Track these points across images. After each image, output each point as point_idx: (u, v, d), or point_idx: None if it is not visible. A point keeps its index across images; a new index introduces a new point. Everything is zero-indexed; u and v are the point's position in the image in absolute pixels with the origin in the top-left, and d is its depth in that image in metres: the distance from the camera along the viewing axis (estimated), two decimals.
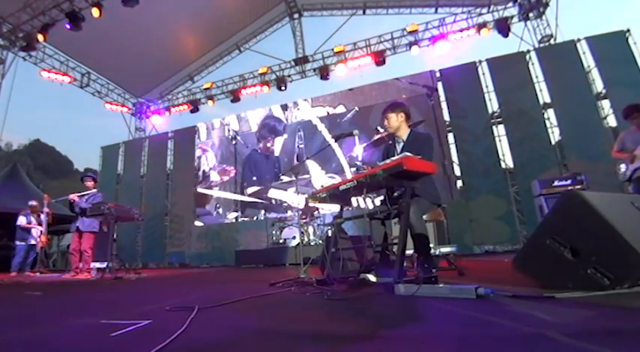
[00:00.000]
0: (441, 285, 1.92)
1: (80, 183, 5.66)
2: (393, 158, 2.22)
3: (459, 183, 7.79)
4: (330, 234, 3.10)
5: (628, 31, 6.98)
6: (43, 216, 6.63)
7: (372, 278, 2.54)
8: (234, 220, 9.78)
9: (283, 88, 10.78)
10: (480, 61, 8.05)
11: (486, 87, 7.90)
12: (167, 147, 11.17)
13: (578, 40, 7.33)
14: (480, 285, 1.65)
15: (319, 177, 8.90)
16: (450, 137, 7.97)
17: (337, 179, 8.34)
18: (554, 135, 7.25)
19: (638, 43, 6.86)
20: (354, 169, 3.87)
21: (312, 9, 11.36)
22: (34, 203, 6.92)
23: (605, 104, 6.93)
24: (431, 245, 2.85)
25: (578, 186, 4.66)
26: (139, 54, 10.70)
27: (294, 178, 3.56)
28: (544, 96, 7.45)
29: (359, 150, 3.14)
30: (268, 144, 9.84)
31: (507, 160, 7.47)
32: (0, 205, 8.50)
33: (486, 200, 7.24)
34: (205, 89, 11.83)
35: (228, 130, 10.54)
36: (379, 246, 2.64)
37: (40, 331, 1.41)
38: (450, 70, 8.31)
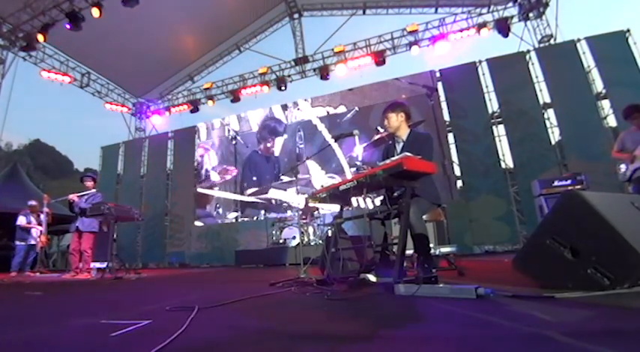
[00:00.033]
0: (441, 285, 1.92)
1: (80, 183, 5.66)
2: (393, 158, 2.22)
3: (459, 183, 7.79)
4: (330, 234, 3.10)
5: (628, 31, 6.98)
6: (42, 216, 6.63)
7: (372, 278, 2.54)
8: (234, 220, 9.78)
9: (283, 88, 10.78)
10: (480, 61, 8.05)
11: (486, 87, 7.91)
12: (167, 147, 11.17)
13: (578, 40, 7.33)
14: (480, 285, 1.65)
15: (319, 177, 8.90)
16: (450, 137, 7.97)
17: (337, 179, 8.34)
18: (554, 135, 7.25)
19: (638, 43, 6.86)
20: (354, 169, 3.88)
21: (312, 9, 11.36)
22: (33, 203, 6.92)
23: (605, 104, 6.93)
24: (431, 245, 2.85)
25: (578, 186, 4.66)
26: (139, 54, 10.70)
27: (294, 178, 3.55)
28: (544, 96, 7.46)
29: (359, 150, 3.13)
30: (268, 145, 9.84)
31: (507, 160, 7.48)
32: (0, 205, 8.50)
33: (486, 200, 7.24)
34: (205, 89, 11.82)
35: (228, 130, 10.54)
36: (379, 246, 2.64)
37: (40, 331, 1.41)
38: (450, 70, 8.31)
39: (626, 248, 1.51)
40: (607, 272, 1.55)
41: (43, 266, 7.55)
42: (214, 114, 11.28)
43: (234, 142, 10.31)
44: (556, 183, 4.86)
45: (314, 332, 1.25)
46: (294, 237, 7.30)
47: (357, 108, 9.04)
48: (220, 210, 9.99)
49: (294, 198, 8.80)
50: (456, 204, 7.30)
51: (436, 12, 9.96)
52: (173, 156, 11.03)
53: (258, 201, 9.45)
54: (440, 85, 8.30)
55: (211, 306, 1.79)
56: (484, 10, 9.23)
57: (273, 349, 1.06)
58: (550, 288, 1.69)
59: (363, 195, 2.39)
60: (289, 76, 11.00)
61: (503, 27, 8.82)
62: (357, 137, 3.00)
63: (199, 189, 10.35)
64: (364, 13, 10.86)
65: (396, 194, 2.58)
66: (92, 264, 5.32)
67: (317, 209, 7.51)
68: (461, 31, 9.31)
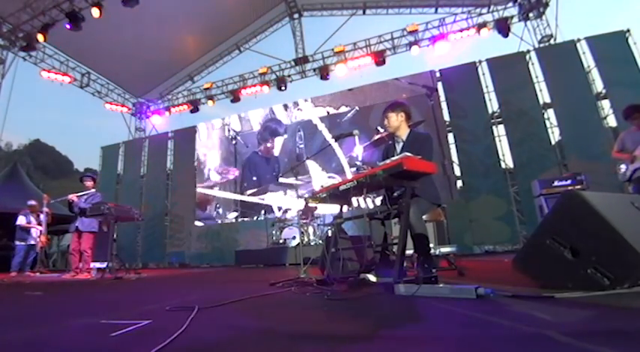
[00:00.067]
0: (441, 285, 1.92)
1: (80, 183, 5.66)
2: (393, 158, 2.22)
3: (459, 183, 7.79)
4: (330, 234, 3.09)
5: (628, 31, 6.98)
6: (42, 216, 6.63)
7: (372, 278, 2.54)
8: (234, 220, 9.78)
9: (283, 88, 10.78)
10: (480, 61, 8.06)
11: (486, 87, 7.91)
12: (167, 147, 11.18)
13: (578, 40, 7.33)
14: (480, 285, 1.65)
15: (319, 177, 8.90)
16: (450, 137, 7.97)
17: (337, 179, 8.34)
18: (554, 135, 7.25)
19: (638, 43, 6.86)
20: (354, 169, 3.88)
21: (312, 9, 11.36)
22: (33, 203, 6.91)
23: (605, 104, 6.93)
24: (431, 245, 2.85)
25: (578, 186, 4.66)
26: (138, 54, 10.70)
27: (294, 181, 3.55)
28: (544, 96, 7.46)
29: (359, 150, 3.13)
30: (268, 145, 9.84)
31: (507, 160, 7.48)
32: (0, 205, 8.50)
33: (486, 200, 7.25)
34: (205, 89, 11.82)
35: (229, 130, 10.54)
36: (379, 246, 2.64)
37: (40, 331, 1.41)
38: (450, 70, 8.31)
39: (626, 248, 1.51)
40: (607, 272, 1.55)
41: (43, 267, 7.54)
42: (214, 115, 11.31)
43: (234, 142, 10.31)
44: (556, 183, 4.86)
45: (314, 332, 1.25)
46: (294, 237, 7.29)
47: (357, 108, 9.04)
48: (220, 210, 9.99)
49: (292, 202, 8.78)
50: (456, 204, 7.30)
51: (436, 12, 9.96)
52: (173, 156, 11.03)
53: (259, 201, 9.45)
54: (440, 85, 8.30)
55: (211, 306, 1.79)
56: (484, 10, 9.23)
57: (273, 349, 1.06)
58: (550, 288, 1.69)
59: (363, 195, 2.39)
60: (289, 76, 11.00)
61: (503, 27, 8.82)
62: (357, 137, 2.99)
63: (199, 189, 10.35)
64: (364, 13, 10.86)
65: (396, 194, 2.58)
66: (92, 264, 5.33)
67: (317, 209, 7.51)
68: (461, 31, 9.31)
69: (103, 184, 10.51)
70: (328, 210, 7.70)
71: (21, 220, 6.73)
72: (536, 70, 7.58)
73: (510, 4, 9.00)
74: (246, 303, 1.95)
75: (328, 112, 9.40)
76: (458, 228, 6.96)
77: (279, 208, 9.03)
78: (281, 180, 9.17)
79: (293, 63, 10.93)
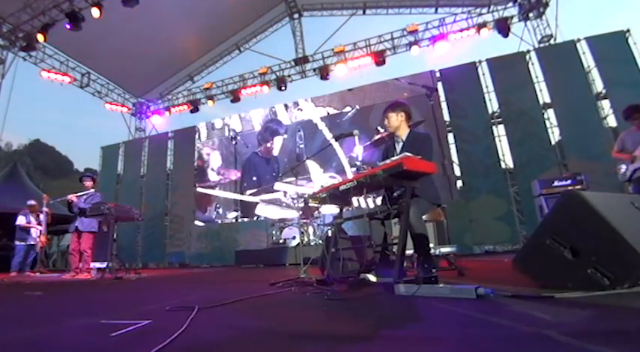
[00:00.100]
0: (441, 285, 1.92)
1: (80, 183, 5.66)
2: (393, 158, 2.22)
3: (459, 183, 7.78)
4: (330, 234, 3.10)
5: (628, 31, 6.98)
6: (42, 216, 6.63)
7: (372, 278, 2.54)
8: (234, 220, 9.78)
9: (283, 88, 10.78)
10: (480, 61, 8.05)
11: (486, 87, 7.90)
12: (167, 147, 11.18)
13: (578, 40, 7.32)
14: (480, 285, 1.65)
15: (319, 177, 8.90)
16: (450, 137, 7.97)
17: (338, 179, 8.34)
18: (554, 135, 7.25)
19: (638, 43, 6.86)
20: (354, 169, 3.88)
21: (312, 9, 11.36)
22: (32, 202, 6.91)
23: (605, 104, 6.92)
24: (431, 245, 2.85)
25: (578, 186, 4.66)
26: (138, 54, 10.70)
27: (294, 180, 3.55)
28: (544, 96, 7.46)
29: (359, 150, 3.13)
30: (268, 145, 9.84)
31: (507, 160, 7.47)
32: (0, 205, 8.50)
33: (486, 200, 7.24)
34: (205, 89, 11.82)
35: (229, 130, 10.54)
36: (379, 246, 2.64)
37: (40, 331, 1.41)
38: (450, 70, 8.31)
39: (626, 248, 1.51)
40: (607, 272, 1.55)
41: (42, 267, 7.54)
42: (214, 114, 11.29)
43: (234, 142, 10.31)
44: (556, 183, 4.86)
45: (314, 332, 1.25)
46: (294, 237, 7.29)
47: (357, 107, 9.04)
48: (220, 210, 9.99)
49: (286, 213, 8.73)
50: (456, 204, 7.30)
51: (436, 12, 9.96)
52: (173, 156, 11.03)
53: (259, 202, 9.45)
54: (440, 85, 8.30)
55: (211, 306, 1.79)
56: (484, 10, 9.23)
57: (273, 349, 1.06)
58: (550, 288, 1.69)
59: (363, 195, 2.39)
60: (289, 76, 11.00)
61: (503, 27, 8.82)
62: (357, 137, 2.99)
63: (199, 189, 10.35)
64: (364, 13, 10.86)
65: (396, 194, 2.58)
66: (92, 264, 5.33)
67: (317, 209, 7.51)
68: (461, 31, 9.31)
69: (103, 184, 10.52)
70: (328, 210, 7.72)
71: (21, 220, 6.73)
72: (536, 70, 7.59)
73: (510, 4, 9.00)
74: (246, 303, 1.95)
75: (328, 112, 9.40)
76: (458, 228, 6.96)
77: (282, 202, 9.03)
78: (277, 185, 9.14)
79: (293, 63, 10.92)
